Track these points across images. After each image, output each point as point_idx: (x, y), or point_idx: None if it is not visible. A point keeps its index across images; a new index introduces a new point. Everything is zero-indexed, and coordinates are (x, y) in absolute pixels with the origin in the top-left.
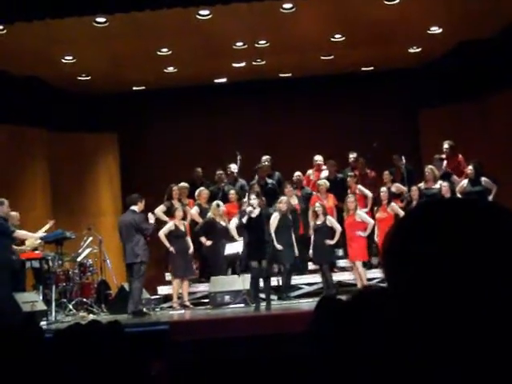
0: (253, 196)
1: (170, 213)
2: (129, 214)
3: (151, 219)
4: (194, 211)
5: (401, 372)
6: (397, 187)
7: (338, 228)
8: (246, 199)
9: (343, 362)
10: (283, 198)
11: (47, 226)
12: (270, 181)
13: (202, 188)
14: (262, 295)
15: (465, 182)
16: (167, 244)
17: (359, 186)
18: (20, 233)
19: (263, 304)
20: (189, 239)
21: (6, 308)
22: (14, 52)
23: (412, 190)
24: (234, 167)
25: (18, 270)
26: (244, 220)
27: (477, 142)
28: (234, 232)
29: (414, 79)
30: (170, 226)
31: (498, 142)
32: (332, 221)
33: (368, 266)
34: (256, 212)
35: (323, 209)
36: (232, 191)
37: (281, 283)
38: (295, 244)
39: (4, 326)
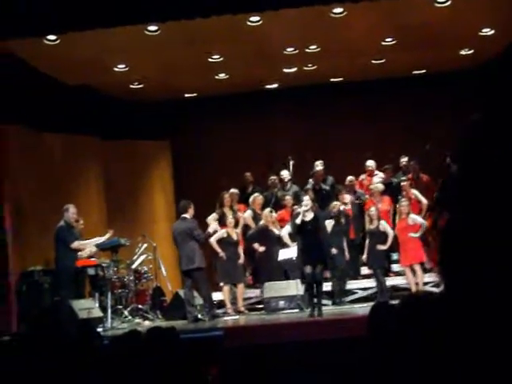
0: (306, 198)
1: (221, 221)
2: (181, 222)
3: (213, 227)
4: (247, 215)
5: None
6: None
7: (391, 233)
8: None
9: (398, 366)
10: (336, 203)
11: (107, 236)
12: (324, 186)
13: (256, 194)
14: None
15: None
16: (218, 249)
17: (414, 191)
18: (75, 244)
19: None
20: (240, 249)
21: (63, 315)
22: (66, 61)
23: None
24: (286, 173)
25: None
26: (298, 221)
27: None
28: (286, 238)
29: (467, 81)
30: (221, 233)
31: None
32: (385, 225)
33: (423, 270)
34: (310, 216)
35: (377, 213)
36: (288, 197)
37: (332, 288)
38: (346, 249)
39: (62, 332)
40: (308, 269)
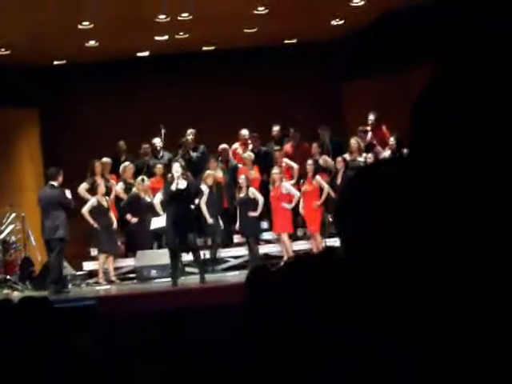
0: (176, 165)
1: (93, 189)
2: (48, 189)
3: (69, 194)
4: (119, 188)
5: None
6: (324, 160)
7: (261, 199)
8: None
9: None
10: (209, 172)
11: None
12: (194, 154)
13: (127, 163)
14: (192, 269)
15: (387, 153)
16: (91, 221)
17: (285, 159)
18: None
19: (189, 277)
20: (112, 215)
21: None
22: None
23: (337, 161)
24: (158, 141)
25: None
26: (173, 187)
27: (399, 114)
28: (158, 207)
29: (337, 52)
30: (92, 202)
31: None
32: (254, 192)
33: (293, 237)
34: (183, 184)
35: (246, 181)
36: (159, 165)
37: (208, 256)
38: (220, 218)
39: None
40: (172, 237)
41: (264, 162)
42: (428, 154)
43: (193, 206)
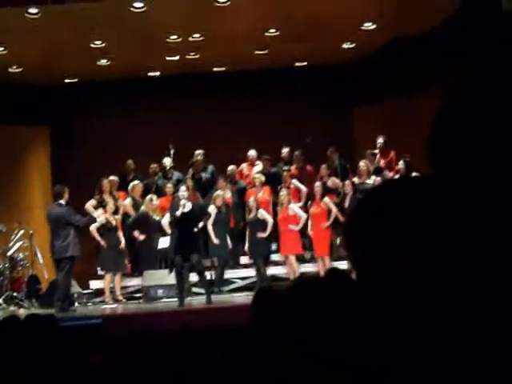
0: (183, 188)
1: (99, 207)
2: (56, 207)
3: (99, 216)
4: (127, 202)
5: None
6: (332, 181)
7: (270, 220)
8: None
9: (284, 351)
10: (218, 193)
11: None
12: (204, 175)
13: (136, 182)
14: (198, 289)
15: (396, 177)
16: (98, 238)
17: (294, 181)
18: None
19: (196, 298)
20: (120, 233)
21: None
22: None
23: (345, 184)
24: (167, 161)
25: None
26: (178, 213)
27: (408, 139)
28: (166, 226)
29: (348, 75)
30: (101, 219)
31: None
32: (263, 213)
33: (301, 260)
34: (188, 206)
35: (256, 203)
36: (169, 184)
37: (213, 277)
38: (228, 238)
39: None
40: (178, 258)
41: (273, 183)
42: (445, 174)
43: (196, 229)
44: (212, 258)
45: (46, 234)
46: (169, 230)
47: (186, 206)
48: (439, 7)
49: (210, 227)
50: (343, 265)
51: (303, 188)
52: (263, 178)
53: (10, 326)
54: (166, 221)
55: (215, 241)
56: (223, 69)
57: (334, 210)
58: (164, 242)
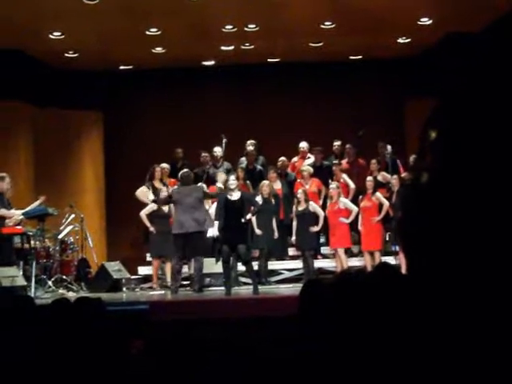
0: (232, 177)
1: (152, 194)
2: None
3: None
4: None
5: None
6: (383, 176)
7: (321, 214)
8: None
9: (336, 343)
10: (265, 182)
11: (38, 202)
12: (258, 166)
13: (185, 170)
14: (246, 279)
15: None
16: (148, 223)
17: (344, 175)
18: (1, 212)
19: (243, 288)
20: (170, 220)
21: None
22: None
23: (392, 178)
24: (218, 150)
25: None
26: (228, 197)
27: None
28: (214, 215)
29: (402, 69)
30: (152, 205)
31: None
32: (315, 206)
33: (349, 253)
34: (236, 195)
35: (305, 195)
36: (220, 174)
37: (259, 268)
38: (275, 229)
39: None
40: (225, 247)
41: (325, 176)
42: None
43: (243, 220)
44: (257, 249)
45: (97, 219)
46: (215, 220)
47: (234, 195)
48: (494, 5)
49: (253, 217)
50: (391, 260)
51: (351, 184)
52: (311, 170)
53: (61, 308)
54: (213, 210)
55: (257, 231)
56: (277, 60)
57: (386, 204)
58: (212, 231)
